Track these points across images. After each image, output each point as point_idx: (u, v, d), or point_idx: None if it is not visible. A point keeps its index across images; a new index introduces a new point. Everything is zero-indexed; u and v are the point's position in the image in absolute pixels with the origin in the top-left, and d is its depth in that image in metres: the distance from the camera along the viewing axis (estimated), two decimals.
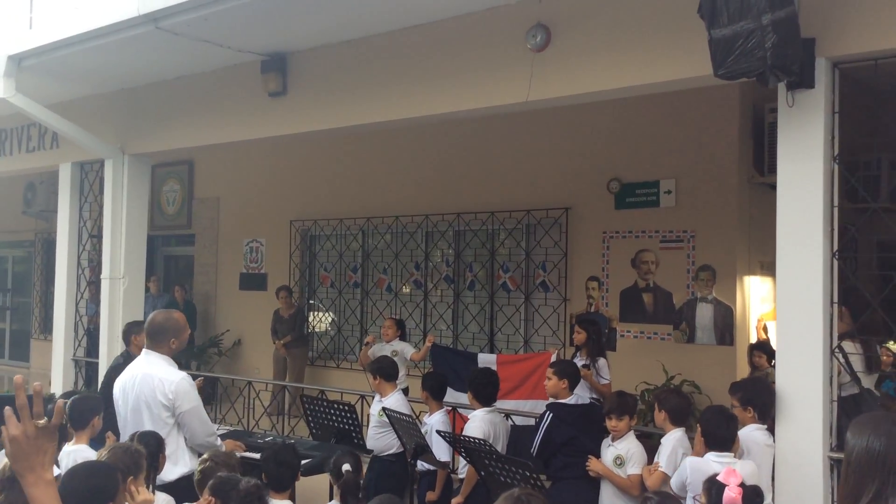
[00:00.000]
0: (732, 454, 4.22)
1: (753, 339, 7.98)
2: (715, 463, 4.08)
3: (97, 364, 8.33)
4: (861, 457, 2.53)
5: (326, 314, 11.28)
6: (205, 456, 3.96)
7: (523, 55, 5.54)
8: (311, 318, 11.25)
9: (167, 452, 4.32)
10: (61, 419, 1.90)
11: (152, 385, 4.45)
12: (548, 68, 5.47)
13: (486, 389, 5.63)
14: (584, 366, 6.31)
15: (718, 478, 3.38)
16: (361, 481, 4.11)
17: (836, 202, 4.48)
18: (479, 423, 5.42)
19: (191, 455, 4.42)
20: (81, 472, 2.85)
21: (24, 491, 1.78)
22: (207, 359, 11.54)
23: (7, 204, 14.31)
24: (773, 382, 4.70)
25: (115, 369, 5.98)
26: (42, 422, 1.85)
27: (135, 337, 5.98)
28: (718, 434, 4.27)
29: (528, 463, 4.18)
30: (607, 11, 5.29)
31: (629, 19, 5.19)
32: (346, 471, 3.91)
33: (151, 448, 3.83)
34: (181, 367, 9.94)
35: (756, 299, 8.18)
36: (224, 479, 3.69)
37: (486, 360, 7.23)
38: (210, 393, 9.65)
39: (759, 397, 4.52)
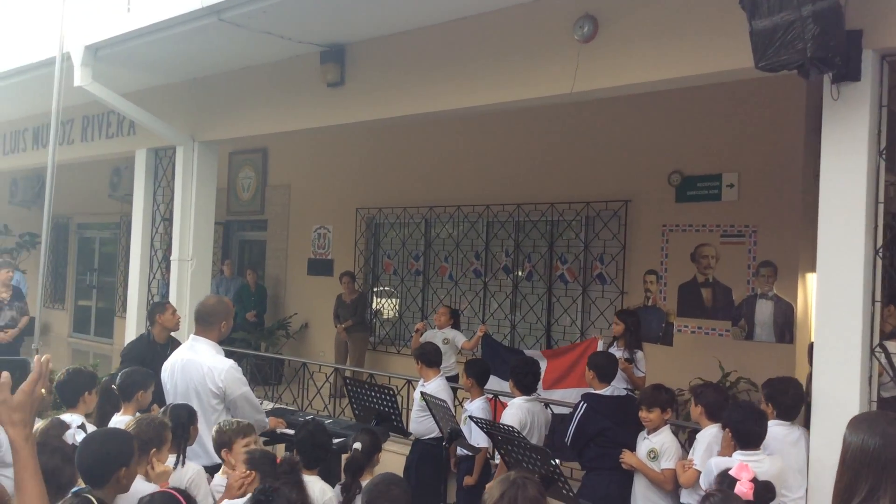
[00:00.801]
0: (762, 452, 4.16)
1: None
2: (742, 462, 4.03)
3: None
4: (856, 455, 2.53)
5: (389, 300, 11.49)
6: (222, 420, 4.19)
7: (570, 46, 5.54)
8: (373, 304, 11.47)
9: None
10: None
11: (202, 373, 4.63)
12: (594, 59, 5.46)
13: (526, 378, 5.69)
14: (624, 358, 6.28)
15: (731, 472, 3.36)
16: (375, 460, 4.23)
17: (880, 198, 4.35)
18: (515, 410, 5.48)
19: None
20: (98, 437, 3.06)
21: (13, 444, 1.96)
22: (276, 340, 11.90)
23: (95, 187, 15.01)
24: None
25: (133, 347, 6.26)
26: (44, 389, 2.04)
27: (159, 316, 6.23)
28: (750, 431, 4.20)
29: (547, 451, 4.23)
30: (654, 2, 5.24)
31: (676, 10, 5.13)
32: (354, 448, 4.04)
33: (182, 419, 4.03)
34: (250, 347, 10.33)
35: None
36: (261, 454, 3.87)
37: (532, 355, 7.25)
38: (268, 373, 10.00)
39: (781, 395, 4.43)
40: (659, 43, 5.22)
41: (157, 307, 6.41)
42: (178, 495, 2.86)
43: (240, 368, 4.81)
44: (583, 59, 5.49)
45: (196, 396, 4.65)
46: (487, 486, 5.44)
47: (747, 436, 4.18)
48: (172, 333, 6.17)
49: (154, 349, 5.97)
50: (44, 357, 2.07)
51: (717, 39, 4.93)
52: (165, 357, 5.06)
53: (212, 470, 4.39)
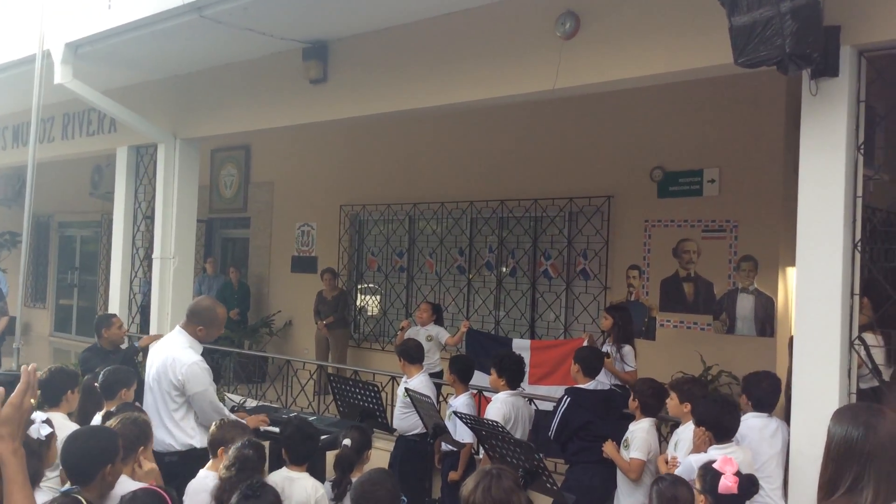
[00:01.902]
0: (733, 444, 4.19)
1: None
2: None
3: None
4: (839, 446, 2.55)
5: (372, 297, 11.48)
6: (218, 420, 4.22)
7: (552, 43, 5.56)
8: (357, 301, 11.46)
9: (178, 427, 4.61)
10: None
11: (166, 363, 4.74)
12: (576, 56, 5.49)
13: (510, 373, 5.69)
14: (604, 351, 6.31)
15: (715, 465, 3.39)
16: (365, 457, 4.24)
17: (859, 192, 4.41)
18: (500, 405, 5.49)
19: (202, 432, 4.65)
20: (83, 434, 3.05)
21: (1, 458, 1.93)
22: (259, 338, 11.86)
23: (76, 186, 14.90)
24: None
25: (87, 357, 6.38)
26: (34, 399, 2.03)
27: (105, 330, 6.33)
28: (726, 424, 4.23)
29: (531, 444, 4.26)
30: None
31: (657, 7, 5.16)
32: (344, 445, 4.05)
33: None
34: (234, 345, 10.31)
35: None
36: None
37: (520, 345, 7.29)
38: (252, 371, 9.98)
39: (755, 387, 4.50)
40: (640, 39, 5.25)
41: (103, 321, 6.49)
42: (162, 492, 2.86)
43: (206, 367, 4.84)
44: (565, 56, 5.52)
45: (157, 383, 4.78)
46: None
47: (723, 429, 4.21)
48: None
49: (106, 356, 6.12)
50: (31, 367, 2.04)
51: (698, 36, 4.97)
52: (118, 361, 5.20)
53: (160, 457, 4.40)
